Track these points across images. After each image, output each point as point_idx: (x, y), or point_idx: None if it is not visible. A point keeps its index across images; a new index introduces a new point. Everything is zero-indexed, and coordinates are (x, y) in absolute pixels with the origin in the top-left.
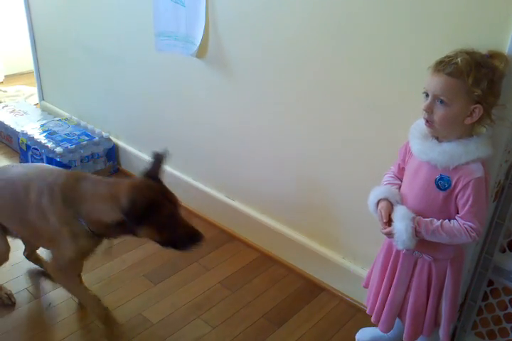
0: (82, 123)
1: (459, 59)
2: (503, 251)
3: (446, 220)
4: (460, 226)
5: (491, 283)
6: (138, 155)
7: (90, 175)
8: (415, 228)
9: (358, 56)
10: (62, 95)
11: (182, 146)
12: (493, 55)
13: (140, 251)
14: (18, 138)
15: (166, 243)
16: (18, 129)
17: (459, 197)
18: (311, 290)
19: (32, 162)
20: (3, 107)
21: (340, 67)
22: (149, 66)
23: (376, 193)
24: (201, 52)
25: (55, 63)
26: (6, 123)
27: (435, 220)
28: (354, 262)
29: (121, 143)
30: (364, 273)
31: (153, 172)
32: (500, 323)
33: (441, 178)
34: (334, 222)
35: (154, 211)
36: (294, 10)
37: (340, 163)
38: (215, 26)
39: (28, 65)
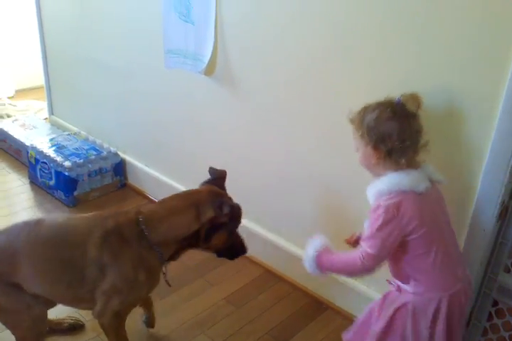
0: (91, 138)
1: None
2: (508, 271)
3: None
4: (357, 252)
5: (495, 303)
6: (145, 170)
7: (143, 206)
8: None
9: (363, 71)
10: (72, 110)
11: (190, 162)
12: (405, 99)
13: None
14: (27, 152)
15: (227, 250)
16: (28, 143)
17: None
18: (316, 307)
19: (41, 176)
20: (13, 121)
21: (349, 88)
22: (158, 82)
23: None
24: (209, 70)
25: (65, 78)
26: (15, 136)
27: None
28: (359, 281)
29: (128, 158)
30: (369, 291)
31: (218, 183)
32: None
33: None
34: (339, 240)
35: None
36: (303, 29)
37: (353, 183)
38: (224, 44)
39: (38, 80)
